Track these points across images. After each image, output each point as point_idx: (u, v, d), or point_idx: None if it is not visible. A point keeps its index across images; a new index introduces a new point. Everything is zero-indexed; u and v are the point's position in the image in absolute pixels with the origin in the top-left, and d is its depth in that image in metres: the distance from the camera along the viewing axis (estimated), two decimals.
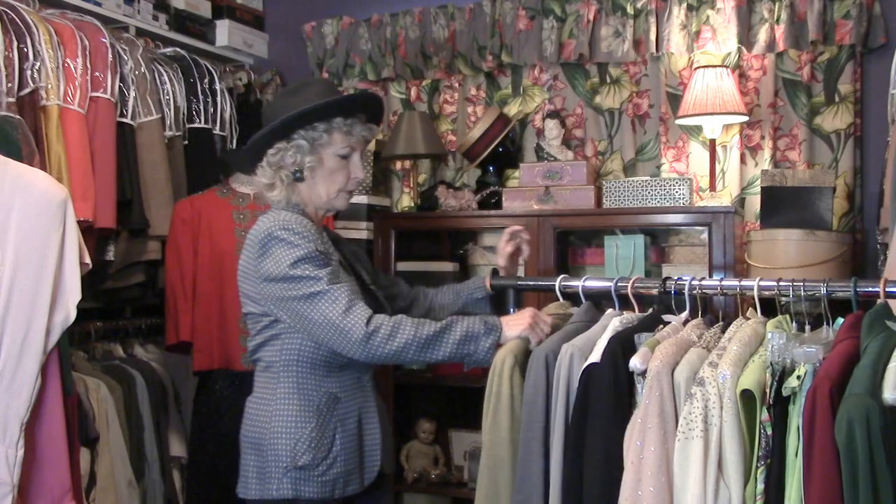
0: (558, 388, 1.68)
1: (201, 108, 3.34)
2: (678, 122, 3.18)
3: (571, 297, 2.07)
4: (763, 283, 1.82)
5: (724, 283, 1.89)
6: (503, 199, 3.25)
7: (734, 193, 3.17)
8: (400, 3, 3.67)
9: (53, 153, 2.60)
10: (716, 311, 1.96)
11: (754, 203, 3.16)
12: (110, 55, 2.84)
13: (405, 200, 3.66)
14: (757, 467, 1.48)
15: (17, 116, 2.46)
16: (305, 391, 1.96)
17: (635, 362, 1.59)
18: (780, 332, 1.58)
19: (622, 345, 1.64)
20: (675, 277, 1.94)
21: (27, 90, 2.55)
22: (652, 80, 3.32)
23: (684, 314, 1.87)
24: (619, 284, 1.94)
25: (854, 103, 3.09)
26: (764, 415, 1.49)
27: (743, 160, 3.22)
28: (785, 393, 1.49)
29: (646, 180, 3.09)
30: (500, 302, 2.30)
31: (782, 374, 1.51)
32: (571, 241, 3.35)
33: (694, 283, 1.88)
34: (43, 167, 2.48)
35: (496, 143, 3.34)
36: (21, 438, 1.83)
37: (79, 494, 2.00)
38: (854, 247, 2.98)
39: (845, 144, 3.10)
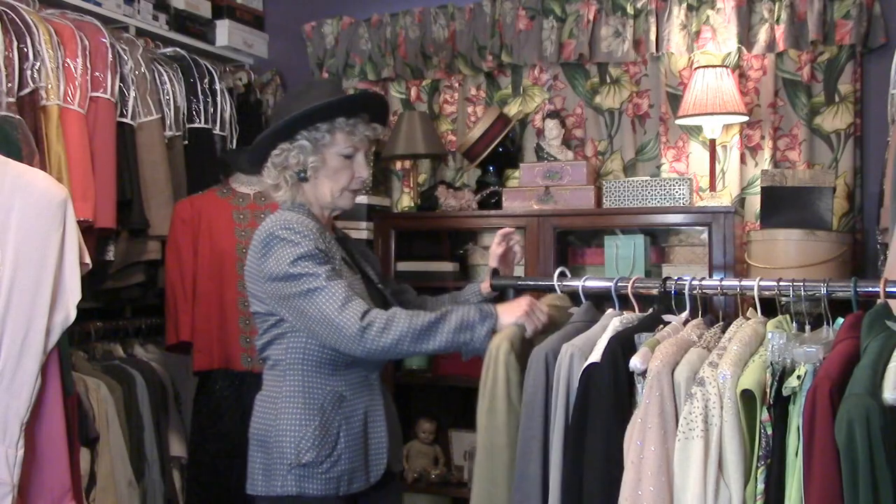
0: (558, 387, 1.68)
1: (201, 108, 3.34)
2: (678, 122, 3.18)
3: (571, 297, 2.07)
4: (763, 283, 1.82)
5: (724, 283, 1.89)
6: (503, 199, 3.25)
7: (734, 193, 3.17)
8: (400, 3, 3.67)
9: (53, 153, 2.60)
10: (716, 311, 1.96)
11: (754, 203, 3.16)
12: (110, 55, 2.84)
13: (405, 200, 3.66)
14: (757, 467, 1.48)
15: (17, 116, 2.46)
16: (310, 389, 1.98)
17: (635, 362, 1.59)
18: (780, 332, 1.58)
19: (622, 345, 1.64)
20: (675, 277, 1.93)
21: (27, 90, 2.55)
22: (652, 80, 3.32)
23: (684, 314, 1.86)
24: (619, 284, 1.94)
25: (854, 103, 3.09)
26: (764, 415, 1.49)
27: (743, 160, 3.22)
28: (785, 393, 1.49)
29: (646, 180, 3.09)
30: (501, 302, 2.30)
31: (782, 374, 1.51)
32: (571, 241, 3.35)
33: (694, 283, 1.88)
34: (43, 167, 2.48)
35: (496, 143, 3.34)
36: (21, 438, 1.83)
37: (79, 494, 2.00)
38: (854, 247, 2.98)
39: (845, 144, 3.10)
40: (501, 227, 3.24)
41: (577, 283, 2.02)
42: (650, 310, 1.90)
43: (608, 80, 3.40)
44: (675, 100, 3.26)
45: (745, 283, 1.85)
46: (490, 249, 2.25)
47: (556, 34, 3.40)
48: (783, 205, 2.92)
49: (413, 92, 3.70)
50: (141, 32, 3.32)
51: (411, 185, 3.58)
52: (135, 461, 2.82)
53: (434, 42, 3.59)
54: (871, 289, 1.72)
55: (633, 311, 1.92)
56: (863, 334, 1.52)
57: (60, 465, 1.92)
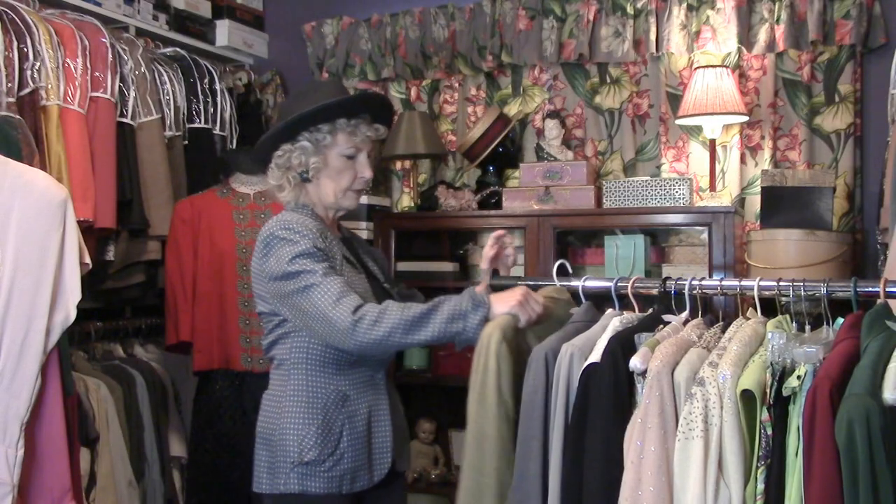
0: (558, 387, 1.68)
1: (201, 108, 3.34)
2: (678, 122, 3.18)
3: (571, 297, 2.06)
4: (763, 283, 1.81)
5: (724, 283, 1.89)
6: (503, 199, 3.25)
7: (734, 193, 3.17)
8: (400, 3, 3.67)
9: (53, 153, 2.60)
10: (716, 311, 1.96)
11: (754, 203, 3.16)
12: (110, 55, 2.84)
13: (405, 200, 3.66)
14: (757, 467, 1.48)
15: (17, 116, 2.46)
16: (314, 388, 1.99)
17: (635, 362, 1.59)
18: (780, 332, 1.57)
19: (622, 345, 1.64)
20: (675, 277, 1.93)
21: (27, 90, 2.55)
22: (652, 80, 3.32)
23: (684, 314, 1.86)
24: (619, 284, 1.94)
25: (854, 103, 3.10)
26: (764, 415, 1.49)
27: (743, 160, 3.22)
28: (785, 393, 1.49)
29: (646, 180, 3.09)
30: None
31: (782, 374, 1.51)
32: (571, 241, 3.35)
33: (694, 283, 1.88)
34: (43, 167, 2.48)
35: (496, 143, 3.34)
36: (21, 438, 1.83)
37: (79, 494, 2.00)
38: (854, 247, 2.98)
39: (845, 144, 3.10)
40: (501, 228, 3.28)
41: (577, 283, 2.02)
42: (650, 310, 1.90)
43: (608, 80, 3.40)
44: (675, 100, 3.26)
45: (745, 283, 1.85)
46: (483, 252, 2.23)
47: (556, 34, 3.40)
48: (783, 205, 2.92)
49: (413, 92, 3.70)
50: (141, 32, 3.32)
51: (411, 185, 3.58)
52: (135, 461, 2.82)
53: (434, 42, 3.59)
54: (871, 289, 1.72)
55: (633, 311, 1.92)
56: (863, 334, 1.52)
57: (60, 465, 1.92)
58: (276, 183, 2.10)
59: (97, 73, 2.79)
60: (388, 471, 2.06)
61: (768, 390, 1.50)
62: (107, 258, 2.91)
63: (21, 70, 2.54)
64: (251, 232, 2.87)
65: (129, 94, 2.96)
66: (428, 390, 3.51)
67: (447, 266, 3.40)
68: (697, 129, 3.23)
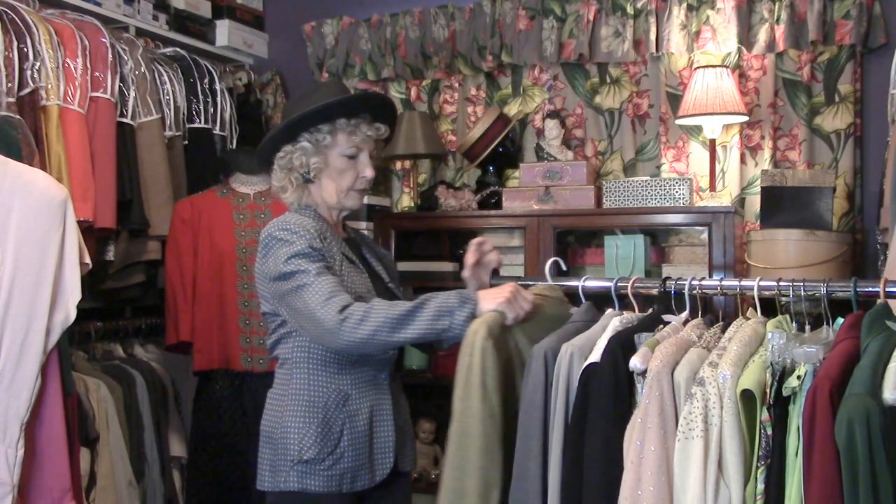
0: (557, 387, 1.68)
1: (201, 108, 3.34)
2: (678, 122, 3.18)
3: (571, 298, 2.06)
4: (763, 283, 1.81)
5: (724, 283, 1.89)
6: (503, 199, 3.25)
7: (734, 193, 3.17)
8: (400, 3, 3.67)
9: (53, 153, 2.60)
10: (716, 311, 1.96)
11: (754, 203, 3.16)
12: (110, 55, 2.84)
13: (405, 200, 3.66)
14: (757, 467, 1.48)
15: (17, 116, 2.46)
16: (315, 387, 2.00)
17: (635, 362, 1.59)
18: (780, 332, 1.57)
19: (622, 345, 1.64)
20: (675, 277, 1.93)
21: (27, 90, 2.55)
22: (652, 80, 3.32)
23: (684, 314, 1.86)
24: (619, 284, 1.94)
25: (854, 103, 3.10)
26: (764, 415, 1.49)
27: (743, 160, 3.22)
28: (785, 393, 1.49)
29: (646, 180, 3.10)
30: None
31: (782, 374, 1.51)
32: (571, 242, 3.35)
33: (694, 283, 1.88)
34: (43, 167, 2.48)
35: (496, 143, 3.34)
36: (21, 438, 1.83)
37: (79, 494, 2.00)
38: (854, 247, 2.98)
39: (845, 144, 3.10)
40: (502, 228, 3.29)
41: (577, 283, 2.01)
42: (650, 310, 1.90)
43: (608, 80, 3.40)
44: (675, 100, 3.26)
45: (745, 283, 1.85)
46: (465, 260, 2.21)
47: (556, 34, 3.40)
48: (783, 205, 2.92)
49: (413, 92, 3.70)
50: (141, 32, 3.32)
51: (411, 185, 3.58)
52: (135, 461, 2.82)
53: (434, 42, 3.59)
54: (871, 289, 1.72)
55: (633, 311, 1.91)
56: (863, 334, 1.52)
57: (60, 465, 1.92)
58: (278, 184, 2.12)
59: (97, 73, 2.79)
60: (391, 471, 2.06)
61: (768, 390, 1.50)
62: (107, 258, 2.91)
63: (21, 70, 2.54)
64: (251, 232, 2.87)
65: (129, 94, 2.96)
66: (428, 390, 3.51)
67: (447, 266, 3.40)
68: (697, 129, 3.23)
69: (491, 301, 1.81)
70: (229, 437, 2.89)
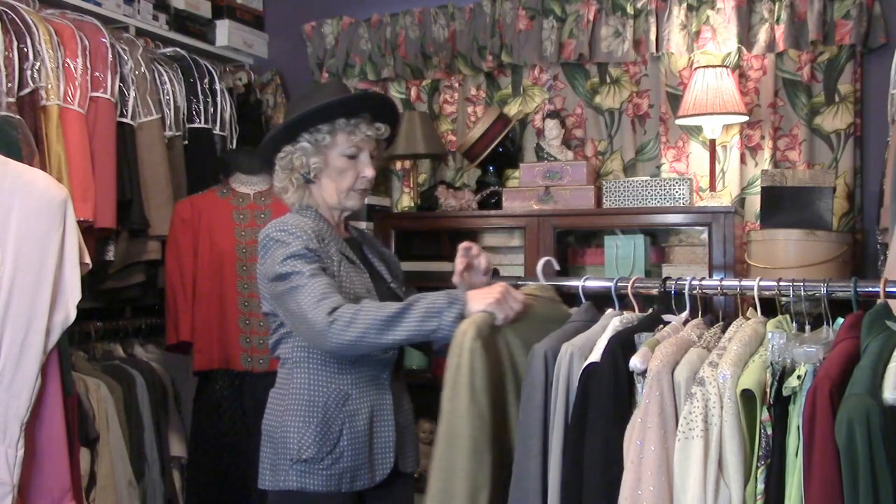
0: (557, 387, 1.68)
1: (201, 108, 3.34)
2: (678, 122, 3.18)
3: (571, 297, 2.06)
4: (763, 283, 1.82)
5: (724, 283, 1.89)
6: (503, 199, 3.25)
7: (734, 193, 3.17)
8: (400, 3, 3.67)
9: (53, 153, 2.60)
10: (716, 311, 1.96)
11: (754, 203, 3.16)
12: (110, 55, 2.84)
13: (405, 200, 3.66)
14: (757, 467, 1.48)
15: (17, 116, 2.46)
16: (315, 387, 2.00)
17: (635, 362, 1.59)
18: (780, 332, 1.57)
19: (622, 344, 1.64)
20: (675, 277, 1.93)
21: (27, 90, 2.55)
22: (652, 80, 3.32)
23: (684, 314, 1.86)
24: (619, 284, 1.94)
25: (854, 103, 3.09)
26: (764, 415, 1.49)
27: (743, 160, 3.22)
28: (785, 393, 1.49)
29: (646, 180, 3.09)
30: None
31: (782, 374, 1.51)
32: (571, 242, 3.35)
33: (694, 283, 1.88)
34: (43, 167, 2.48)
35: (496, 143, 3.34)
36: (21, 438, 1.83)
37: (79, 494, 2.00)
38: (854, 247, 2.98)
39: (845, 144, 3.10)
40: (502, 227, 3.29)
41: (577, 283, 2.01)
42: (650, 310, 1.90)
43: (608, 80, 3.40)
44: (675, 100, 3.26)
45: (745, 283, 1.85)
46: (454, 266, 2.19)
47: (556, 34, 3.40)
48: (783, 205, 2.92)
49: (413, 92, 3.70)
50: (141, 32, 3.32)
51: (411, 185, 3.58)
52: (135, 461, 2.82)
53: (434, 42, 3.59)
54: (871, 289, 1.72)
55: (633, 311, 1.91)
56: (863, 334, 1.52)
57: (60, 465, 1.92)
58: (280, 185, 2.12)
59: (97, 73, 2.79)
60: (392, 471, 2.05)
61: (768, 390, 1.50)
62: (107, 258, 2.91)
63: (21, 70, 2.54)
64: (251, 232, 2.87)
65: (129, 94, 2.96)
66: (428, 390, 3.50)
67: (447, 266, 3.38)
68: (697, 129, 3.23)
69: (480, 301, 1.80)
70: (229, 436, 2.89)
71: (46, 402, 1.89)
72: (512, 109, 3.53)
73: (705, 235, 2.99)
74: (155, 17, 3.42)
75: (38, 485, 1.89)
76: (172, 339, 2.97)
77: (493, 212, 3.26)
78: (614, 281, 1.96)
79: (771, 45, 3.16)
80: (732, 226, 2.85)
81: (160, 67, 3.18)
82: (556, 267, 2.12)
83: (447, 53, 3.58)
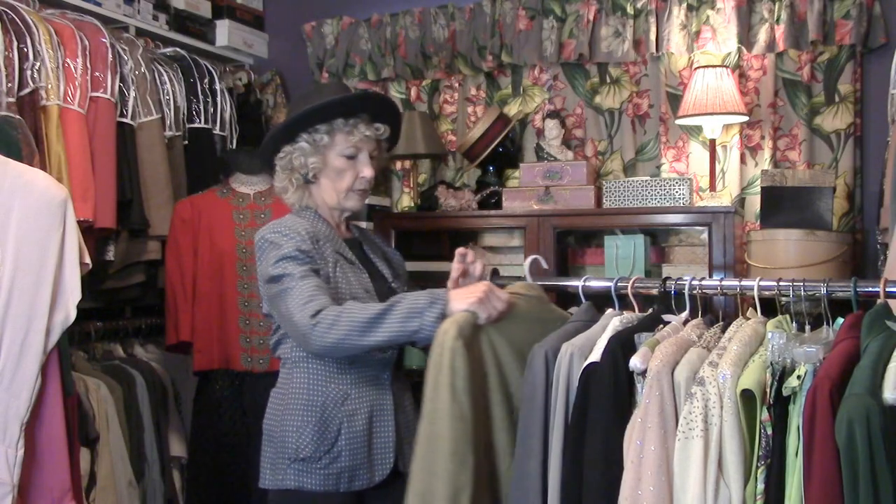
0: (558, 387, 1.68)
1: (201, 108, 3.34)
2: (678, 122, 3.18)
3: (571, 297, 2.06)
4: (763, 283, 1.82)
5: (724, 283, 1.89)
6: (503, 199, 3.25)
7: (734, 193, 3.17)
8: (400, 3, 3.67)
9: (53, 153, 2.60)
10: (716, 311, 1.96)
11: (754, 203, 3.16)
12: (110, 55, 2.84)
13: (405, 200, 3.66)
14: (757, 467, 1.48)
15: (17, 116, 2.46)
16: (314, 386, 2.01)
17: (635, 362, 1.59)
18: (780, 332, 1.58)
19: (622, 344, 1.64)
20: (675, 277, 1.93)
21: (27, 90, 2.55)
22: (652, 80, 3.32)
23: (684, 314, 1.86)
24: (619, 284, 1.94)
25: (854, 103, 3.09)
26: (764, 414, 1.49)
27: (743, 160, 3.22)
28: (785, 393, 1.49)
29: (646, 180, 3.09)
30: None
31: (782, 374, 1.51)
32: (571, 242, 3.35)
33: (694, 283, 1.88)
34: (43, 167, 2.48)
35: (496, 143, 3.34)
36: (21, 438, 1.83)
37: (79, 494, 2.00)
38: (854, 247, 2.98)
39: (845, 144, 3.10)
40: (502, 227, 3.29)
41: (577, 283, 2.02)
42: (650, 310, 1.90)
43: (608, 80, 3.40)
44: (675, 100, 3.26)
45: (745, 283, 1.85)
46: (451, 271, 2.17)
47: (556, 34, 3.40)
48: (783, 205, 2.92)
49: (413, 92, 3.70)
50: (141, 32, 3.32)
51: (411, 185, 3.58)
52: (135, 461, 2.82)
53: (434, 42, 3.59)
54: (871, 289, 1.72)
55: (633, 311, 1.91)
56: (863, 334, 1.52)
57: (60, 465, 1.92)
58: (280, 185, 2.13)
59: (97, 73, 2.79)
60: (392, 471, 2.05)
61: (768, 390, 1.50)
62: (107, 258, 2.91)
63: (21, 70, 2.54)
64: (251, 232, 2.87)
65: (129, 94, 2.96)
66: None
67: (447, 266, 3.38)
68: (697, 129, 3.23)
69: (462, 300, 1.79)
70: (229, 436, 2.89)
71: (46, 402, 1.89)
72: (512, 109, 3.53)
73: (705, 235, 2.99)
74: (155, 17, 3.42)
75: (38, 485, 1.90)
76: (172, 339, 2.97)
77: (493, 212, 3.26)
78: (614, 281, 1.96)
79: (771, 45, 3.16)
80: (732, 226, 2.85)
81: (160, 67, 3.18)
82: (545, 265, 2.11)
83: (447, 53, 3.58)
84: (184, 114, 3.28)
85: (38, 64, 2.58)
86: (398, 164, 3.69)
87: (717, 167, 3.15)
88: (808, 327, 1.73)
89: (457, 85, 3.64)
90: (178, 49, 3.41)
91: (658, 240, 3.22)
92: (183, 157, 3.24)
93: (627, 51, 3.32)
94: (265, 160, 2.15)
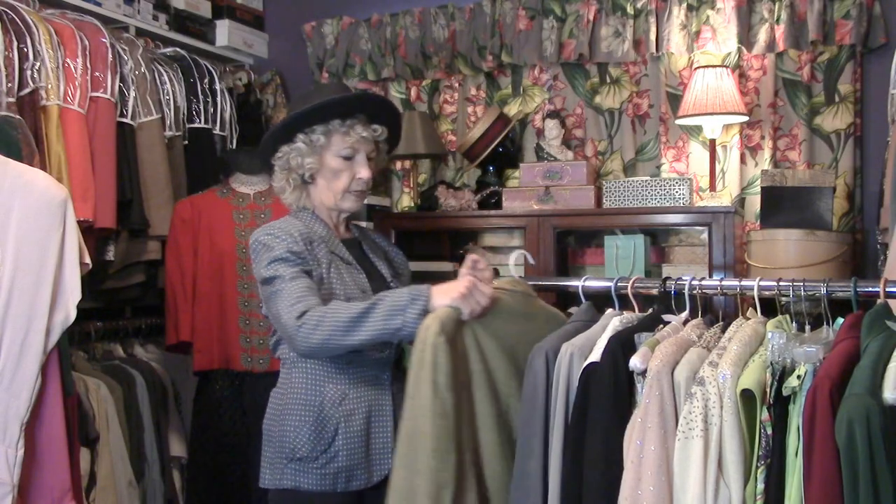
0: (558, 387, 1.68)
1: (201, 108, 3.34)
2: (678, 122, 3.18)
3: (572, 297, 2.06)
4: (763, 283, 1.82)
5: (724, 283, 1.89)
6: (503, 199, 3.25)
7: (734, 193, 3.17)
8: (400, 3, 3.67)
9: (53, 153, 2.60)
10: (716, 311, 1.96)
11: (754, 203, 3.16)
12: (110, 55, 2.84)
13: (405, 200, 3.66)
14: (757, 467, 1.48)
15: (17, 116, 2.46)
16: (312, 386, 2.01)
17: (635, 362, 1.59)
18: (780, 331, 1.58)
19: (622, 344, 1.64)
20: (675, 277, 1.93)
21: (27, 90, 2.55)
22: (652, 80, 3.32)
23: (684, 314, 1.87)
24: (619, 284, 1.94)
25: (854, 103, 3.09)
26: (764, 414, 1.49)
27: (743, 160, 3.22)
28: (785, 393, 1.49)
29: (646, 180, 3.09)
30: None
31: (782, 374, 1.51)
32: (571, 242, 3.35)
33: (694, 283, 1.88)
34: (43, 167, 2.48)
35: (496, 143, 3.34)
36: (21, 438, 1.83)
37: (79, 494, 2.00)
38: (854, 247, 2.98)
39: (845, 144, 3.10)
40: (501, 227, 3.29)
41: (577, 283, 2.02)
42: (650, 310, 1.90)
43: (608, 80, 3.40)
44: (675, 100, 3.26)
45: (745, 283, 1.85)
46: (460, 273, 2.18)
47: (556, 34, 3.40)
48: (783, 205, 2.92)
49: (413, 92, 3.70)
50: (141, 32, 3.32)
51: (411, 185, 3.58)
52: (135, 461, 2.82)
53: (434, 42, 3.59)
54: (871, 289, 1.72)
55: (633, 311, 1.91)
56: (863, 334, 1.53)
57: (60, 465, 1.92)
58: (278, 185, 2.14)
59: (97, 73, 2.79)
60: (390, 471, 2.05)
61: (768, 390, 1.50)
62: (107, 258, 2.91)
63: (21, 70, 2.54)
64: (251, 232, 2.84)
65: (129, 94, 2.96)
66: None
67: (447, 266, 3.40)
68: (697, 129, 3.23)
69: (445, 296, 1.77)
70: (229, 436, 2.89)
71: (46, 402, 1.89)
72: (512, 109, 3.53)
73: (705, 235, 2.99)
74: (155, 17, 3.42)
75: (38, 485, 1.89)
76: (172, 339, 2.97)
77: (493, 212, 3.26)
78: (614, 281, 1.96)
79: (771, 45, 3.16)
80: (732, 226, 2.85)
81: (160, 67, 3.18)
82: (531, 261, 2.11)
83: (447, 53, 3.58)
84: (184, 114, 3.28)
85: (38, 64, 2.58)
86: (398, 164, 3.69)
87: (717, 167, 3.15)
88: (808, 327, 1.74)
89: (457, 85, 3.64)
90: (178, 49, 3.41)
91: (658, 240, 3.22)
92: (183, 157, 3.24)
93: (627, 51, 3.32)
94: (264, 160, 2.16)
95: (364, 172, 2.10)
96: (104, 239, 2.89)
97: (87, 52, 2.76)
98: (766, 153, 3.18)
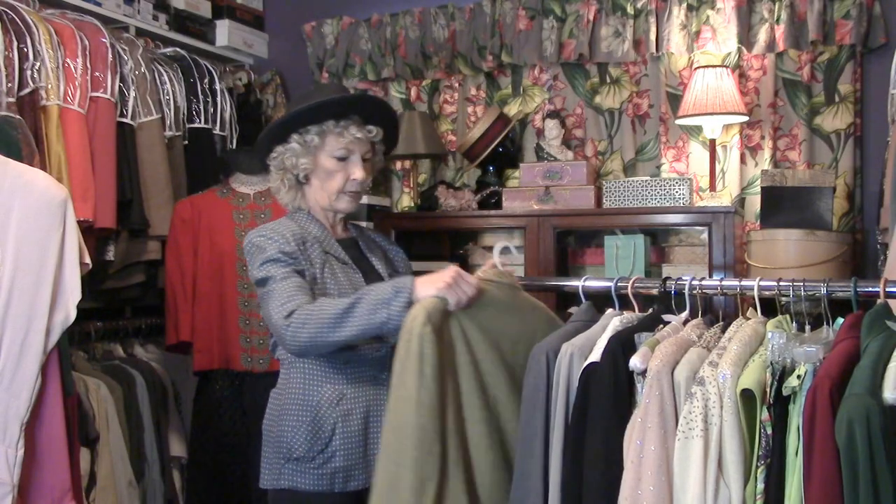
0: (558, 387, 1.68)
1: (201, 108, 3.34)
2: (678, 122, 3.18)
3: (572, 297, 2.06)
4: (763, 283, 1.82)
5: (724, 283, 1.89)
6: (503, 199, 3.25)
7: (734, 193, 3.17)
8: (400, 3, 3.67)
9: (53, 153, 2.60)
10: (716, 311, 1.96)
11: (754, 203, 3.16)
12: (110, 55, 2.84)
13: (405, 200, 3.66)
14: (757, 467, 1.48)
15: (17, 116, 2.46)
16: (310, 386, 2.01)
17: (635, 362, 1.59)
18: (780, 331, 1.58)
19: (622, 344, 1.64)
20: (675, 277, 1.93)
21: (27, 90, 2.55)
22: (652, 80, 3.32)
23: (684, 314, 1.86)
24: (619, 284, 1.94)
25: (854, 103, 3.09)
26: (764, 414, 1.49)
27: (743, 160, 3.22)
28: (785, 392, 1.49)
29: (646, 180, 3.09)
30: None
31: (782, 374, 1.51)
32: (571, 242, 3.35)
33: (694, 283, 1.88)
34: (43, 167, 2.48)
35: (496, 143, 3.34)
36: (21, 438, 1.83)
37: (79, 494, 2.00)
38: (854, 247, 2.98)
39: (845, 144, 3.10)
40: (501, 228, 3.29)
41: (577, 283, 2.02)
42: (650, 310, 1.90)
43: (608, 80, 3.40)
44: (675, 100, 3.26)
45: (745, 283, 1.85)
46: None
47: (556, 34, 3.40)
48: (783, 205, 2.92)
49: (413, 92, 3.70)
50: (141, 32, 3.32)
51: (411, 185, 3.58)
52: (135, 461, 2.82)
53: (434, 42, 3.59)
54: (871, 289, 1.72)
55: (633, 311, 1.91)
56: (863, 334, 1.52)
57: (60, 465, 1.92)
58: (273, 185, 2.14)
59: (97, 73, 2.79)
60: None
61: (768, 390, 1.50)
62: (107, 258, 2.92)
63: (21, 70, 2.54)
64: None
65: (129, 94, 2.96)
66: None
67: (447, 266, 3.39)
68: (697, 129, 3.23)
69: (430, 286, 1.76)
70: (229, 436, 2.89)
71: (46, 402, 1.89)
72: (512, 109, 3.53)
73: (705, 235, 2.99)
74: (155, 17, 3.42)
75: (38, 485, 1.90)
76: (172, 339, 2.97)
77: (493, 212, 3.26)
78: (614, 281, 1.96)
79: (771, 45, 3.16)
80: (732, 226, 2.85)
81: (160, 67, 3.18)
82: (514, 252, 2.09)
83: (447, 53, 3.58)
84: (184, 114, 3.28)
85: (38, 64, 2.58)
86: (398, 164, 3.69)
87: (717, 167, 3.15)
88: (808, 327, 1.73)
89: (457, 85, 3.64)
90: (178, 49, 3.41)
91: (658, 240, 3.22)
92: (183, 157, 3.24)
93: (627, 51, 3.32)
94: (261, 158, 2.16)
95: (358, 173, 2.10)
96: (104, 239, 2.89)
97: (87, 52, 2.76)
98: (766, 153, 3.18)
